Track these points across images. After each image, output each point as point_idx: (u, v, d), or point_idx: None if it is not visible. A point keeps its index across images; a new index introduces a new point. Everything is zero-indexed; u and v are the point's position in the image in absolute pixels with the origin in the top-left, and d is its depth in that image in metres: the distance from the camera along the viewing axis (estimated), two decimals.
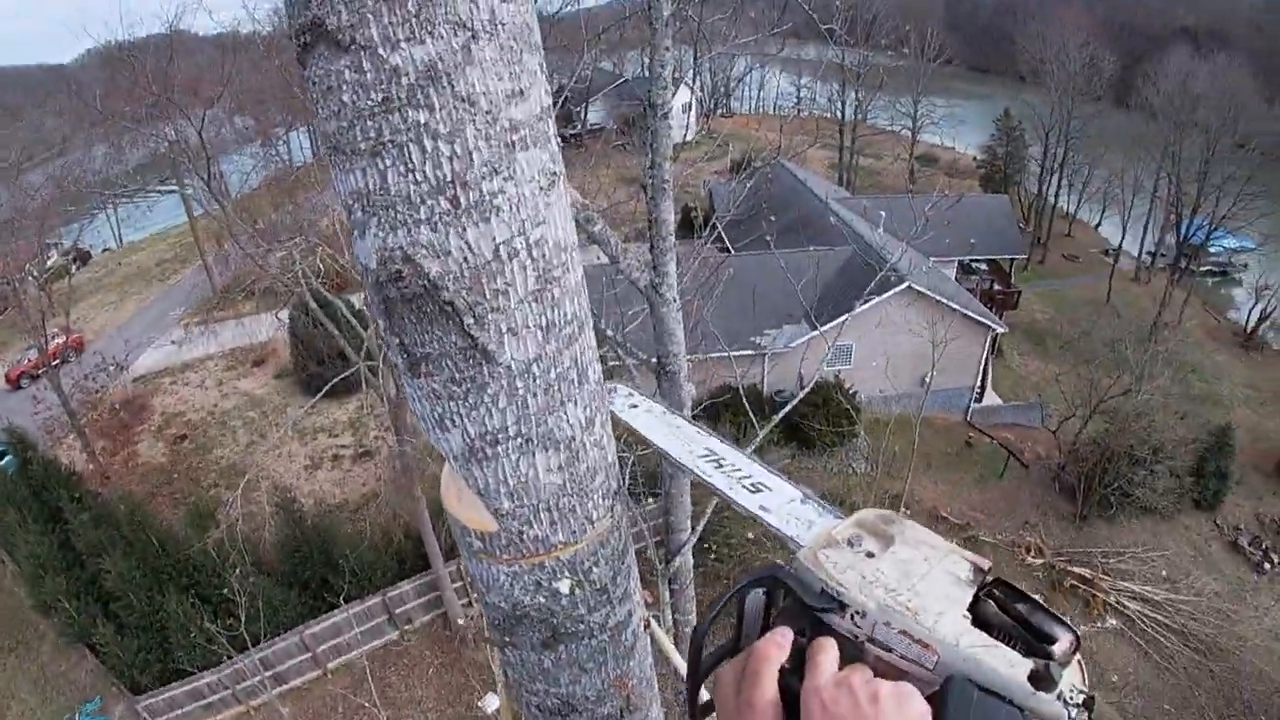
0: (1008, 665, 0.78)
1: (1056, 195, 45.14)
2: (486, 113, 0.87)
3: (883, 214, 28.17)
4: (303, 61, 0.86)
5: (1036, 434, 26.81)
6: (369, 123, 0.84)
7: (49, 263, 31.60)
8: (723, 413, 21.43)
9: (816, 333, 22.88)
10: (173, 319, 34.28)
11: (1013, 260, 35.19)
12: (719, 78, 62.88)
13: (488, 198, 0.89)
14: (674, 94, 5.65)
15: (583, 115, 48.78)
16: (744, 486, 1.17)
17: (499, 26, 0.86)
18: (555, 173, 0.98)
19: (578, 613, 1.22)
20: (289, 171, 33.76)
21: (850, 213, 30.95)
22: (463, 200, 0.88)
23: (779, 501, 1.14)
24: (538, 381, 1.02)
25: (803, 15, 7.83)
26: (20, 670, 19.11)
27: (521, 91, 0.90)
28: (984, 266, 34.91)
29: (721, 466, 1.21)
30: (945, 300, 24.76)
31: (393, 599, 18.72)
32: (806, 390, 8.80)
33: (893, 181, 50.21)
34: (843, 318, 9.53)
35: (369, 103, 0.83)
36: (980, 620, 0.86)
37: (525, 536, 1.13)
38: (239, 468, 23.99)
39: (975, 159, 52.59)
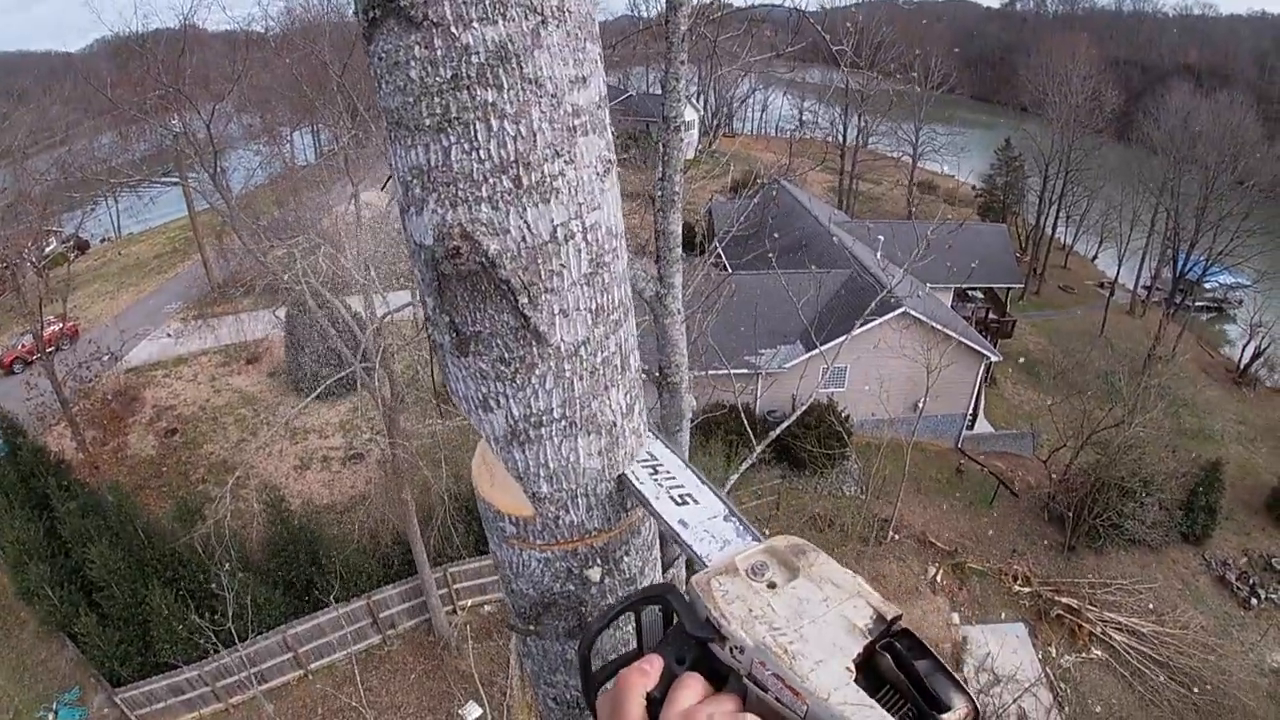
0: None
1: (1054, 227, 45.29)
2: (552, 96, 0.88)
3: (880, 238, 28.28)
4: (369, 36, 0.87)
5: (1027, 463, 26.85)
6: (436, 99, 0.86)
7: (48, 249, 31.51)
8: (714, 430, 21.45)
9: (814, 352, 22.88)
10: (169, 312, 34.19)
11: (1009, 289, 35.37)
12: (723, 97, 63.05)
13: (548, 179, 0.91)
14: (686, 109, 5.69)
15: None
16: (671, 497, 1.12)
17: (566, 14, 0.88)
18: (610, 160, 1.00)
19: (606, 602, 1.22)
20: (293, 170, 33.87)
21: (849, 236, 31.07)
22: (524, 180, 0.90)
23: (701, 516, 1.08)
24: (585, 364, 1.03)
25: (809, 37, 7.87)
26: None
27: (584, 78, 0.92)
28: (980, 295, 35.09)
29: (656, 474, 1.16)
30: (941, 326, 24.82)
31: (377, 603, 18.57)
32: (801, 411, 8.82)
33: (891, 207, 50.43)
34: (841, 338, 9.53)
35: (437, 79, 0.85)
36: (872, 673, 0.81)
37: (561, 522, 1.13)
38: (228, 464, 23.90)
39: (974, 188, 52.85)
